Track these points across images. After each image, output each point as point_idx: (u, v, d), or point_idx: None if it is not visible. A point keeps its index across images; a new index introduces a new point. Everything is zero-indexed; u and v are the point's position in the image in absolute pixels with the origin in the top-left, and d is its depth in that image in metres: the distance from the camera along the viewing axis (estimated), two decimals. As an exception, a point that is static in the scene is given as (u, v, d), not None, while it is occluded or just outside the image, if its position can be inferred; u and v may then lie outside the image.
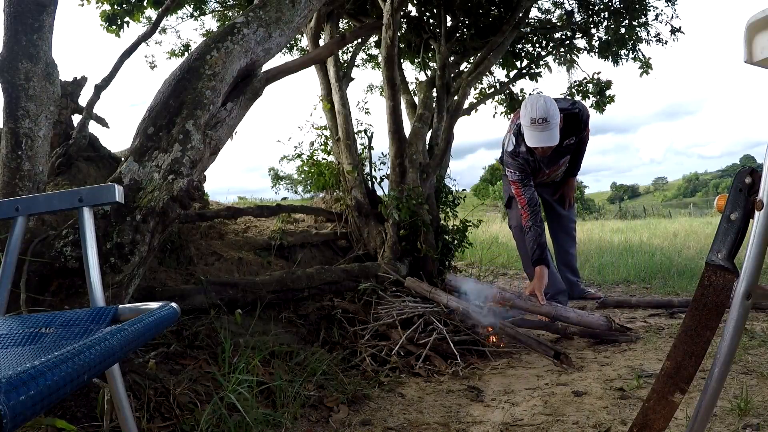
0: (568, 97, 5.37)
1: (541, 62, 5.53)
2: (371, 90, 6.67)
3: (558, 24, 5.39)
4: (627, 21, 4.95)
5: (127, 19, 4.01)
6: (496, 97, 5.90)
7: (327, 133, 3.97)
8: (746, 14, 0.81)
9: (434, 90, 4.25)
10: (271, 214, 3.61)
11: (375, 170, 3.86)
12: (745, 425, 1.46)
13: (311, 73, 4.17)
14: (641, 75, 5.44)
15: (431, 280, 3.09)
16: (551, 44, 5.47)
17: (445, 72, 4.18)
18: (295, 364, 2.04)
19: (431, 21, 4.80)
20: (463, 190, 4.05)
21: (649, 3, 4.86)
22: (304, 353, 2.15)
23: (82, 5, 4.00)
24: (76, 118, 2.79)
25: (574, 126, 3.04)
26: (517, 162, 3.06)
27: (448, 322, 2.51)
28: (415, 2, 4.78)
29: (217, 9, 5.39)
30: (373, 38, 5.33)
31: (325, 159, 3.95)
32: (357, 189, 3.66)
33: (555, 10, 5.45)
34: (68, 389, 0.50)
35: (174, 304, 0.85)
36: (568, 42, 5.45)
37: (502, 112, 5.97)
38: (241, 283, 2.37)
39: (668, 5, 4.91)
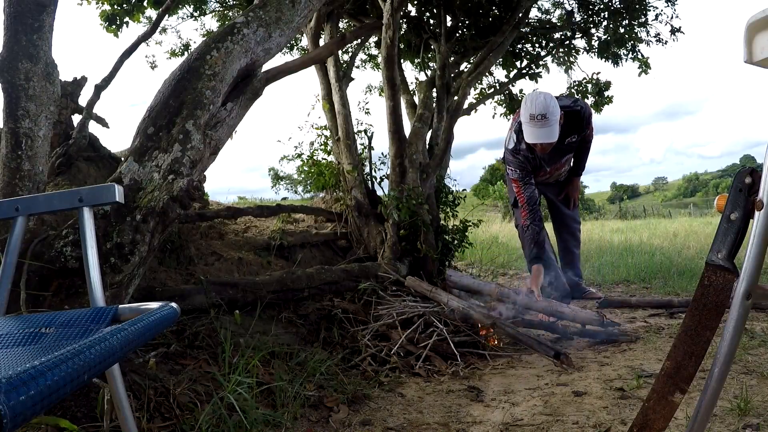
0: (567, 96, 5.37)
1: (541, 62, 5.54)
2: (371, 90, 6.68)
3: (558, 24, 5.39)
4: (627, 21, 4.96)
5: (126, 19, 4.01)
6: (496, 97, 5.91)
7: (327, 133, 3.97)
8: (746, 14, 0.81)
9: (434, 90, 4.25)
10: (271, 214, 3.61)
11: (375, 170, 3.87)
12: (745, 425, 1.46)
13: (311, 73, 4.17)
14: (640, 74, 5.46)
15: (431, 280, 3.09)
16: (551, 44, 5.48)
17: (445, 72, 4.18)
18: (295, 364, 2.04)
19: (431, 21, 4.81)
20: (463, 190, 4.05)
21: (649, 3, 4.87)
22: (304, 353, 2.15)
23: (81, 5, 4.01)
24: (76, 118, 2.78)
25: (576, 124, 3.04)
26: (517, 160, 3.06)
27: (448, 322, 2.51)
28: (415, 2, 4.78)
29: (217, 9, 5.40)
30: (373, 38, 5.33)
31: (325, 159, 3.95)
32: (357, 189, 3.66)
33: (555, 10, 5.46)
34: (68, 389, 0.50)
35: (174, 304, 0.85)
36: (567, 42, 5.45)
37: (502, 113, 5.98)
38: (241, 283, 2.37)
39: (668, 5, 4.93)
